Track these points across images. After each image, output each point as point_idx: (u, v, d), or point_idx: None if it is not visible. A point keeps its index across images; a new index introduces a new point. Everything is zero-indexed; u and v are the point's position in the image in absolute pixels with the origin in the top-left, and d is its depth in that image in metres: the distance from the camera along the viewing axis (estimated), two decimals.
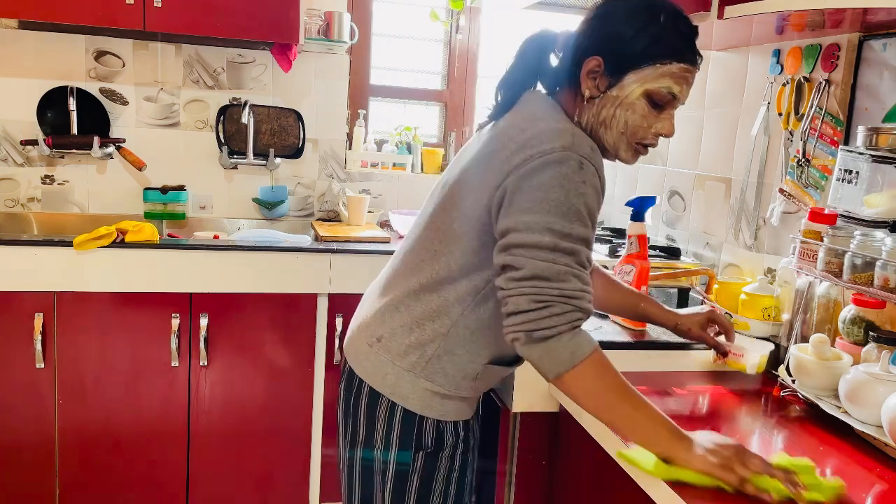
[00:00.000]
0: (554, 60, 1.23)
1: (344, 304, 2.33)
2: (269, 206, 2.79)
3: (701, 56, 1.17)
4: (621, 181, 2.51)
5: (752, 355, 1.45)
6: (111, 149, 2.63)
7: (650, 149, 1.20)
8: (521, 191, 1.08)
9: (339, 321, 2.33)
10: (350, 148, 2.91)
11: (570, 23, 3.04)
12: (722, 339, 1.46)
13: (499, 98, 1.24)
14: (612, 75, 1.13)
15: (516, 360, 1.32)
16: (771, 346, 1.48)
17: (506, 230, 1.09)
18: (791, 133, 1.72)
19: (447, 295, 1.20)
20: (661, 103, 1.14)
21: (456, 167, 1.26)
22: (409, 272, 1.25)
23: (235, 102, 2.76)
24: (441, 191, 1.26)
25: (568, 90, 1.20)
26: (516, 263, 1.07)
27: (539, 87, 1.25)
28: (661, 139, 1.19)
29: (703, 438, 1.06)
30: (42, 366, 2.17)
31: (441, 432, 1.26)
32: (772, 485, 0.99)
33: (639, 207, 1.65)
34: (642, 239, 1.64)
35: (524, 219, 1.07)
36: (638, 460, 1.08)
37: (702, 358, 1.57)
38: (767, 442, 1.25)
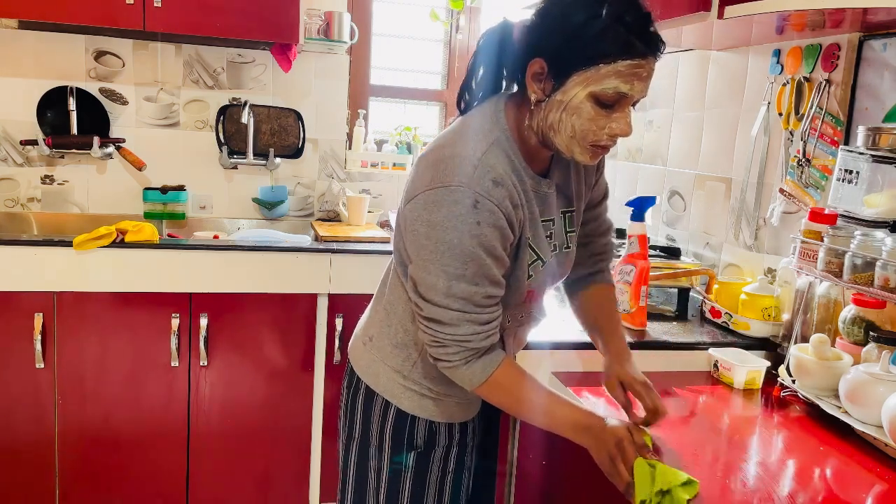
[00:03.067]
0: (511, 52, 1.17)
1: (344, 304, 2.32)
2: (269, 206, 2.79)
3: (659, 43, 1.07)
4: (621, 181, 2.51)
5: (739, 371, 1.45)
6: (111, 149, 2.63)
7: (611, 148, 1.13)
8: (420, 223, 1.08)
9: (339, 321, 2.33)
10: (350, 148, 2.91)
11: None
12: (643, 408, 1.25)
13: (464, 99, 1.20)
14: (556, 78, 1.06)
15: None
16: (766, 364, 1.48)
17: (410, 260, 1.13)
18: (791, 133, 1.72)
19: None
20: (609, 103, 1.06)
21: None
22: (393, 275, 1.28)
23: (235, 102, 2.76)
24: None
25: (521, 90, 1.14)
26: (418, 302, 1.12)
27: (505, 86, 1.20)
28: (621, 138, 1.12)
29: (607, 421, 1.11)
30: (42, 366, 2.17)
31: (433, 433, 1.27)
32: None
33: (639, 207, 1.65)
34: (642, 239, 1.64)
35: (423, 255, 1.09)
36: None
37: (702, 358, 1.57)
38: (767, 442, 1.25)
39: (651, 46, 1.06)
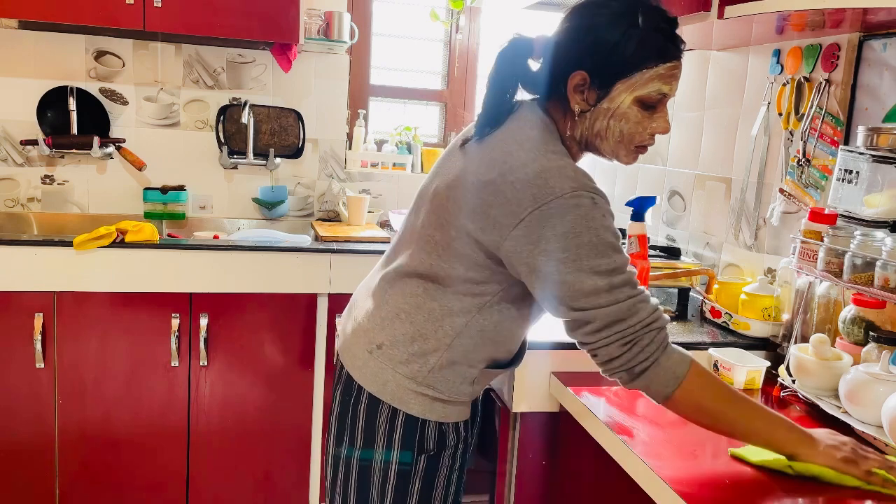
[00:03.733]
0: (534, 65, 1.20)
1: (344, 304, 2.30)
2: (269, 206, 2.79)
3: (684, 43, 1.14)
4: (621, 181, 2.51)
5: (739, 371, 1.45)
6: (111, 149, 2.63)
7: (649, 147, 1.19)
8: (550, 240, 1.06)
9: (338, 321, 2.33)
10: (350, 148, 2.91)
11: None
12: None
13: (484, 114, 1.19)
14: (600, 88, 1.11)
15: (512, 363, 1.32)
16: (766, 364, 1.48)
17: (551, 284, 1.09)
18: (791, 133, 1.72)
19: (451, 306, 1.20)
20: (652, 105, 1.13)
21: (443, 179, 1.22)
22: (407, 281, 1.24)
23: (235, 102, 2.76)
24: (431, 203, 1.23)
25: (556, 102, 1.17)
26: (586, 318, 1.08)
27: (526, 95, 1.22)
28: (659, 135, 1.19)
29: (822, 435, 1.12)
30: (42, 366, 2.17)
31: (443, 434, 1.26)
32: (888, 476, 1.07)
33: (639, 207, 1.65)
34: (642, 239, 1.64)
35: (567, 270, 1.06)
36: (755, 458, 1.12)
37: (702, 358, 1.57)
38: None
39: (681, 48, 1.14)
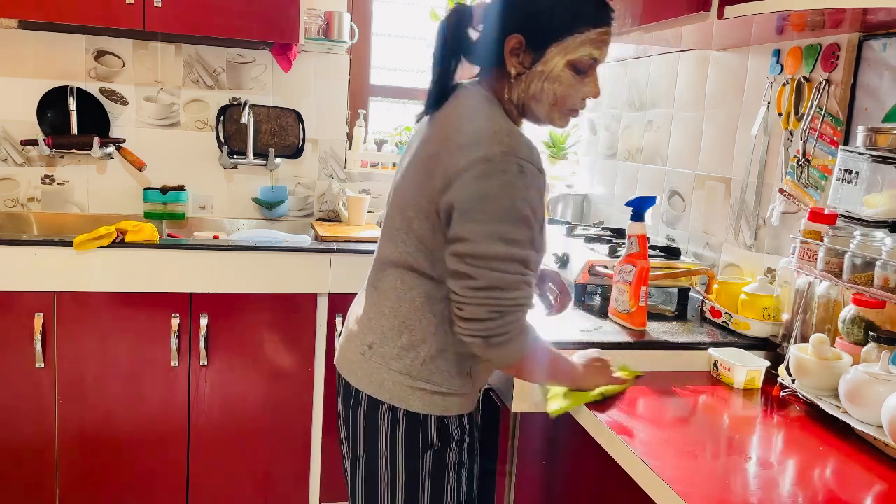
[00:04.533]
0: (474, 34, 1.25)
1: (344, 304, 2.32)
2: (269, 206, 2.79)
3: (614, 11, 1.20)
4: (621, 181, 2.51)
5: (739, 371, 1.45)
6: (111, 149, 2.63)
7: (581, 112, 1.26)
8: (471, 199, 1.11)
9: (339, 321, 2.34)
10: (350, 148, 2.91)
11: None
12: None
13: (432, 89, 1.26)
14: (535, 51, 1.17)
15: None
16: (766, 364, 1.48)
17: (458, 237, 1.14)
18: (791, 133, 1.72)
19: (427, 291, 1.22)
20: (584, 69, 1.19)
21: (402, 169, 1.30)
22: (386, 276, 1.27)
23: (235, 102, 2.76)
24: (394, 194, 1.30)
25: (495, 69, 1.22)
26: (472, 273, 1.12)
27: (467, 67, 1.28)
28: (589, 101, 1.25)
29: (582, 359, 1.34)
30: (42, 366, 2.17)
31: (446, 427, 1.27)
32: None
33: (639, 207, 1.65)
34: (642, 239, 1.64)
35: (474, 228, 1.11)
36: (555, 407, 1.31)
37: (702, 358, 1.57)
38: (767, 442, 1.25)
39: (611, 15, 1.20)
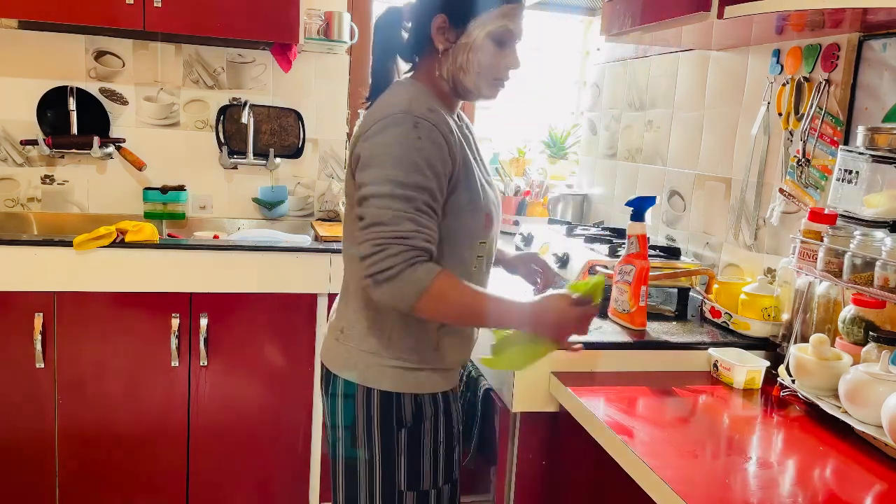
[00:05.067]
0: (405, 34, 1.36)
1: None
2: (269, 206, 2.79)
3: None
4: (621, 181, 2.51)
5: (739, 371, 1.46)
6: (111, 149, 2.63)
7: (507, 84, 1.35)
8: (367, 151, 1.22)
9: None
10: None
11: (565, 21, 3.04)
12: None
13: (370, 84, 1.38)
14: (458, 27, 1.28)
15: None
16: (766, 364, 1.48)
17: (358, 185, 1.23)
18: (791, 133, 1.72)
19: None
20: (503, 41, 1.29)
21: None
22: (349, 265, 1.36)
23: (235, 102, 2.76)
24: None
25: (427, 52, 1.33)
26: (362, 213, 1.20)
27: (400, 63, 1.39)
28: (512, 73, 1.33)
29: (550, 307, 1.25)
30: (42, 366, 2.17)
31: (420, 405, 1.31)
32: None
33: (639, 207, 1.65)
34: (642, 239, 1.64)
35: (369, 173, 1.20)
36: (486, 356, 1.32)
37: (702, 358, 1.57)
38: (767, 442, 1.25)
39: None
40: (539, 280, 1.62)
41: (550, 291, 1.29)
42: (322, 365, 1.41)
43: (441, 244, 1.25)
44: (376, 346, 1.31)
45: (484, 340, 1.44)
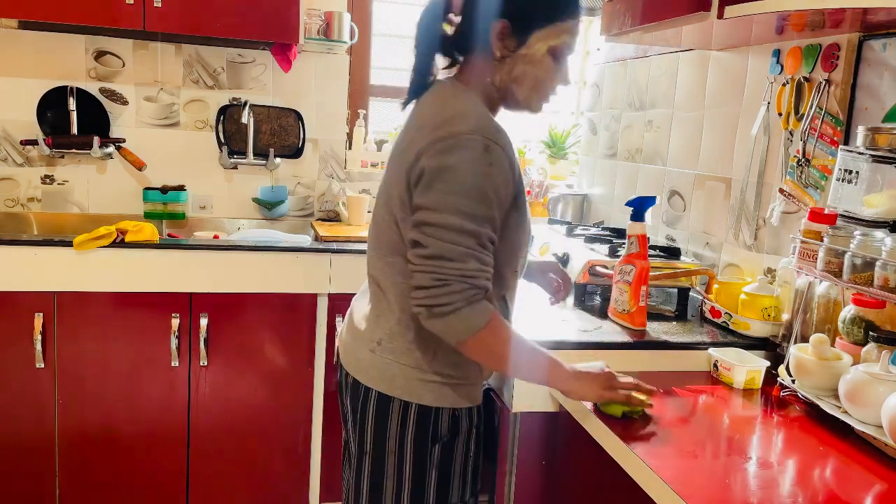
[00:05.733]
0: (449, 29, 1.29)
1: (344, 304, 2.32)
2: (269, 206, 2.79)
3: (582, 5, 1.29)
4: (621, 181, 2.51)
5: (739, 371, 1.46)
6: (111, 149, 2.63)
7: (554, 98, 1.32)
8: (433, 170, 1.15)
9: (339, 321, 2.33)
10: (350, 148, 2.91)
11: None
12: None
13: (411, 81, 1.31)
14: (519, 36, 1.23)
15: None
16: (766, 364, 1.48)
17: (418, 206, 1.17)
18: (791, 133, 1.72)
19: None
20: (561, 56, 1.26)
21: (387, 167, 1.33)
22: (385, 272, 1.28)
23: (235, 102, 2.76)
24: (380, 189, 1.32)
25: (477, 54, 1.27)
26: (423, 241, 1.15)
27: (439, 60, 1.32)
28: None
29: (588, 366, 1.28)
30: (42, 366, 2.17)
31: (457, 419, 1.28)
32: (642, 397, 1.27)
33: (639, 207, 1.65)
34: (642, 239, 1.64)
35: (434, 197, 1.14)
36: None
37: (702, 358, 1.57)
38: (767, 442, 1.25)
39: (582, 8, 1.29)
40: (556, 290, 1.60)
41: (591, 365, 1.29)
42: (346, 373, 1.34)
43: None
44: (419, 361, 1.25)
45: None
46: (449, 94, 1.26)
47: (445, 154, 1.14)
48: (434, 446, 1.27)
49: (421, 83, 1.30)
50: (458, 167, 1.14)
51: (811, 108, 1.64)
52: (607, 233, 2.22)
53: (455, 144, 1.14)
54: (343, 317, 2.32)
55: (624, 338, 1.59)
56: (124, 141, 2.65)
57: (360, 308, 1.36)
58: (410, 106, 1.34)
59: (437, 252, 1.13)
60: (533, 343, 1.25)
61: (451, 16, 1.27)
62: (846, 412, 1.25)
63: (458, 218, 1.13)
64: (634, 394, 1.26)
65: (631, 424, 1.25)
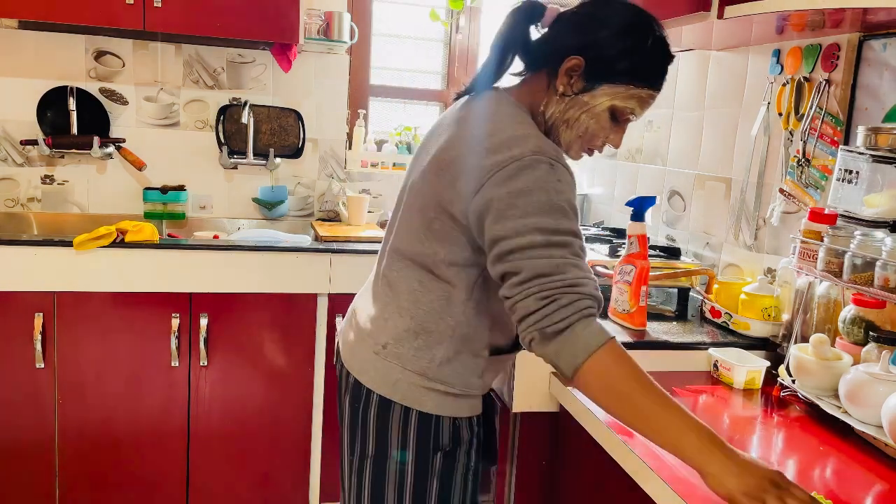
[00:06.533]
0: (535, 33, 1.24)
1: (344, 304, 2.32)
2: (269, 206, 2.79)
3: (665, 81, 1.21)
4: (621, 181, 2.51)
5: (739, 371, 1.46)
6: (111, 149, 2.63)
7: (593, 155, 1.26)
8: (502, 198, 1.08)
9: (339, 321, 2.33)
10: (350, 148, 2.91)
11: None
12: None
13: (481, 71, 1.24)
14: (588, 81, 1.16)
15: (515, 346, 1.32)
16: (766, 364, 1.48)
17: (495, 239, 1.09)
18: (791, 133, 1.72)
19: (447, 294, 1.20)
20: (620, 119, 1.20)
21: (421, 166, 1.25)
22: (401, 276, 1.24)
23: (235, 102, 2.76)
24: (412, 191, 1.25)
25: (541, 76, 1.21)
26: (514, 269, 1.07)
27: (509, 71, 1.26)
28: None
29: (746, 459, 0.96)
30: (42, 366, 2.17)
31: (457, 429, 1.26)
32: None
33: (639, 207, 1.65)
34: (642, 239, 1.64)
35: (511, 225, 1.07)
36: None
37: (702, 358, 1.57)
38: (767, 442, 1.25)
39: (663, 83, 1.20)
40: None
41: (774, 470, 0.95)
42: (347, 374, 1.31)
43: None
44: (424, 369, 1.22)
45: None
46: (504, 111, 1.20)
47: (512, 179, 1.08)
48: (436, 455, 1.25)
49: (487, 78, 1.24)
50: (530, 188, 1.07)
51: (811, 108, 1.64)
52: (607, 233, 2.22)
53: (520, 168, 1.08)
54: (343, 317, 2.32)
55: (624, 338, 1.59)
56: (124, 141, 2.65)
57: (365, 308, 1.32)
58: (459, 102, 1.29)
59: (533, 272, 1.05)
60: (673, 399, 1.01)
61: (539, 24, 1.22)
62: (846, 412, 1.25)
63: (542, 235, 1.06)
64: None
65: None
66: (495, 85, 1.25)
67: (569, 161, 1.18)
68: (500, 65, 1.23)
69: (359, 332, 1.31)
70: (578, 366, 1.02)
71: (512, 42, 1.22)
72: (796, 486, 0.93)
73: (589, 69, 1.16)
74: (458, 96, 1.29)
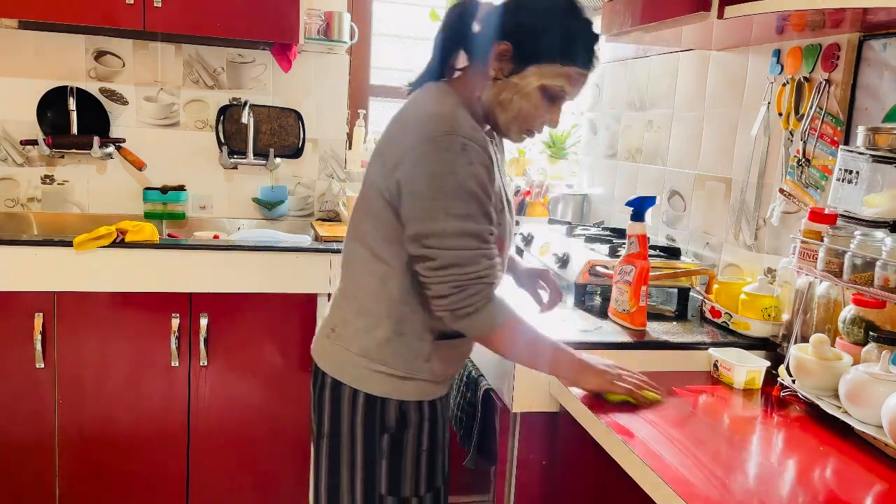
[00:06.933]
0: (476, 27, 1.29)
1: None
2: (269, 206, 2.79)
3: (598, 59, 1.26)
4: (621, 181, 2.51)
5: (739, 371, 1.46)
6: (111, 149, 2.63)
7: (538, 134, 1.33)
8: (416, 179, 1.17)
9: None
10: (350, 148, 2.91)
11: None
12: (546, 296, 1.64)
13: (424, 68, 1.32)
14: (516, 63, 1.22)
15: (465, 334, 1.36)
16: (766, 364, 1.48)
17: (409, 218, 1.19)
18: (791, 133, 1.72)
19: (381, 273, 1.27)
20: (553, 97, 1.25)
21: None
22: (350, 261, 1.33)
23: (235, 102, 2.76)
24: (363, 180, 1.35)
25: (477, 66, 1.28)
26: (430, 255, 1.18)
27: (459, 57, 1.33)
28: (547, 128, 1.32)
29: (596, 360, 1.33)
30: (42, 366, 2.17)
31: (404, 413, 1.30)
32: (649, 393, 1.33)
33: (639, 207, 1.65)
34: (642, 239, 1.64)
35: (425, 205, 1.16)
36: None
37: (702, 358, 1.57)
38: (767, 442, 1.25)
39: (594, 63, 1.26)
40: (544, 300, 1.61)
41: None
42: (312, 360, 1.40)
43: None
44: (366, 350, 1.29)
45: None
46: (434, 96, 1.26)
47: (425, 160, 1.16)
48: (382, 436, 1.30)
49: (432, 72, 1.31)
50: (441, 171, 1.15)
51: (811, 108, 1.64)
52: (607, 233, 2.22)
53: (433, 149, 1.16)
54: None
55: (624, 338, 1.59)
56: (124, 141, 2.65)
57: (332, 299, 1.42)
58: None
59: (447, 262, 1.17)
60: (541, 332, 1.30)
61: (476, 22, 1.28)
62: (846, 412, 1.25)
63: (455, 221, 1.16)
64: (642, 392, 1.31)
65: (632, 426, 1.25)
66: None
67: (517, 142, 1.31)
68: (441, 61, 1.30)
69: (322, 321, 1.41)
70: (483, 337, 1.25)
71: (452, 38, 1.30)
72: (631, 377, 1.32)
73: (517, 52, 1.21)
74: (408, 93, 1.35)
